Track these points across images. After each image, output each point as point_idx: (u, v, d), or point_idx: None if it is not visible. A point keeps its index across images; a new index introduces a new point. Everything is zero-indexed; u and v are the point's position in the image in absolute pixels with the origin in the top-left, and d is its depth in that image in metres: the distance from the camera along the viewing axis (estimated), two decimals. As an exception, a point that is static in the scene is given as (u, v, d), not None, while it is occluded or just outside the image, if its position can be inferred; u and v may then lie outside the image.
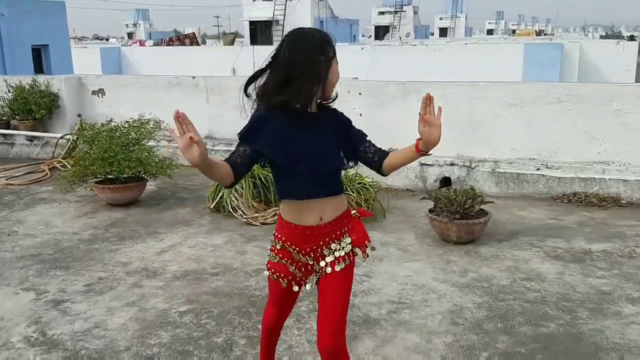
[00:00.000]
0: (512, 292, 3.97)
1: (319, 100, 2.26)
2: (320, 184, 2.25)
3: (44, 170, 7.58)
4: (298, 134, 2.21)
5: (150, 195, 6.45)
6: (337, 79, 2.26)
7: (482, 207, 4.99)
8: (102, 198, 6.04)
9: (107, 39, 62.11)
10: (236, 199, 5.63)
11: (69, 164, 7.60)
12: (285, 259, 2.34)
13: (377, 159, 2.32)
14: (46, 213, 5.88)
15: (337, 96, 2.33)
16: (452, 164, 6.61)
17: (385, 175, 2.40)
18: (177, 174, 6.49)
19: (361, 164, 2.40)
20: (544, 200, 6.14)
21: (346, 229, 2.33)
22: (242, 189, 5.62)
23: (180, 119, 1.90)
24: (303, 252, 2.31)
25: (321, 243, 2.30)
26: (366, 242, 2.37)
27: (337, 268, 2.30)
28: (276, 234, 2.37)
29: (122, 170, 5.73)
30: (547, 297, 3.89)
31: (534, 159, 6.54)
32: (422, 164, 6.68)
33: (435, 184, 6.59)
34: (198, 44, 37.63)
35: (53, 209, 6.03)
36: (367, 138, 2.35)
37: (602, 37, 65.88)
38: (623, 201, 5.96)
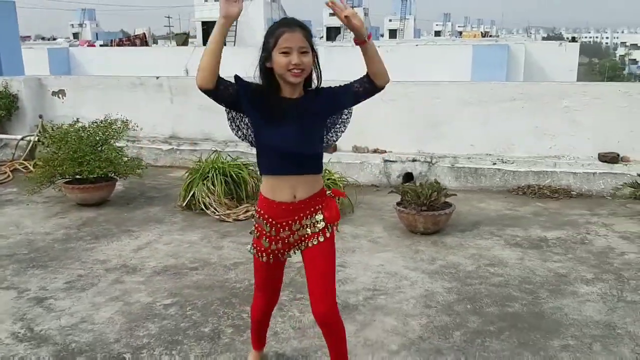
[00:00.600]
0: (478, 277, 4.25)
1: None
2: (297, 164, 2.45)
3: (6, 172, 7.48)
4: (277, 119, 2.39)
5: (118, 195, 6.48)
6: (284, 70, 2.33)
7: (446, 199, 5.28)
8: (71, 198, 6.05)
9: (51, 39, 60.33)
10: (208, 196, 5.74)
11: (31, 165, 7.55)
12: (264, 236, 2.54)
13: (367, 85, 2.46)
14: (15, 214, 5.85)
15: (320, 81, 2.49)
16: (414, 160, 6.89)
17: (383, 85, 2.47)
18: (145, 173, 6.54)
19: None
20: (501, 193, 6.50)
21: (320, 206, 2.54)
22: (214, 187, 5.73)
23: None
24: (279, 225, 2.50)
25: (296, 218, 2.50)
26: (337, 221, 2.59)
27: (315, 242, 2.53)
28: (257, 209, 2.56)
29: (92, 171, 5.76)
30: (510, 281, 4.19)
31: (490, 154, 6.90)
32: (385, 161, 6.94)
33: (398, 180, 6.86)
34: (148, 45, 37.07)
35: (21, 210, 6.00)
36: (348, 84, 2.51)
37: (544, 38, 68.40)
38: (573, 192, 6.38)
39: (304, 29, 2.37)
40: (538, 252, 4.75)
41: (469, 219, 5.58)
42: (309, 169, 2.50)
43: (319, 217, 2.54)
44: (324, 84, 2.55)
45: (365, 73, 2.48)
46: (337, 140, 2.62)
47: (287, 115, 2.41)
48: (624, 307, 3.76)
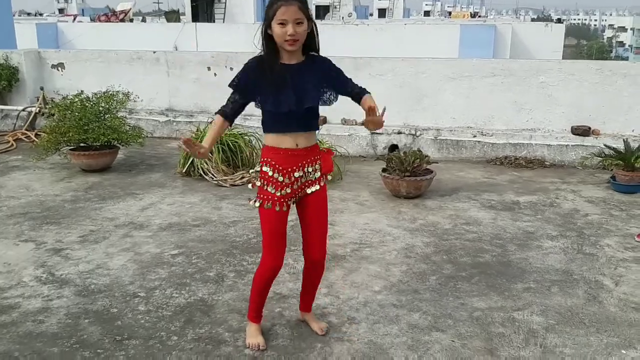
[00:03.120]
0: (454, 234, 4.71)
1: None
2: (296, 121, 2.82)
3: (9, 142, 7.80)
4: (278, 83, 2.74)
5: (120, 162, 6.84)
6: (281, 40, 2.66)
7: (428, 167, 5.72)
8: (76, 164, 6.41)
9: (37, 15, 59.64)
10: (206, 163, 6.13)
11: (32, 135, 7.89)
12: (271, 183, 2.85)
13: (357, 99, 2.89)
14: (24, 179, 6.21)
15: (317, 48, 2.86)
16: (399, 133, 7.31)
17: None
18: (144, 143, 6.90)
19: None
20: (480, 163, 6.95)
21: (318, 156, 2.94)
22: (212, 154, 6.12)
23: (187, 143, 2.66)
24: (284, 171, 2.84)
25: (299, 165, 2.87)
26: (331, 171, 3.00)
27: (312, 190, 2.93)
28: (263, 158, 2.90)
29: (97, 138, 6.12)
30: (482, 237, 4.65)
31: (471, 127, 7.34)
32: (372, 133, 7.35)
33: (384, 151, 7.28)
34: (131, 21, 36.72)
35: (29, 175, 6.36)
36: (351, 81, 2.91)
37: (532, 19, 68.62)
38: (547, 163, 6.84)
39: (300, 1, 2.70)
40: (510, 213, 5.21)
41: (449, 186, 6.02)
42: (307, 126, 2.87)
43: (317, 166, 2.93)
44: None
45: (361, 93, 2.87)
46: (336, 100, 2.95)
47: (286, 79, 2.76)
48: (582, 258, 4.24)
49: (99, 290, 3.72)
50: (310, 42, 2.81)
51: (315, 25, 2.79)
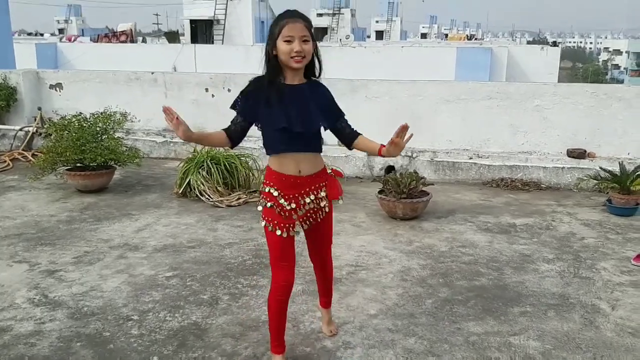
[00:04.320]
0: (450, 256, 4.69)
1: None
2: (298, 143, 2.78)
3: (5, 161, 7.80)
4: (280, 103, 2.73)
5: (117, 183, 6.84)
6: (287, 57, 2.65)
7: (424, 188, 5.72)
8: (72, 185, 6.40)
9: (36, 34, 60.02)
10: (202, 184, 6.13)
11: (29, 155, 7.88)
12: (274, 203, 2.83)
13: (349, 139, 2.91)
14: (19, 199, 6.20)
15: (320, 71, 2.84)
16: (395, 154, 7.31)
17: (350, 149, 2.98)
18: (142, 163, 6.91)
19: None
20: (476, 185, 6.96)
21: (323, 183, 2.92)
22: (209, 175, 6.12)
23: (166, 110, 2.60)
24: (286, 197, 2.83)
25: (302, 192, 2.84)
26: (340, 196, 2.98)
27: (319, 218, 2.93)
28: (266, 181, 2.88)
29: (94, 158, 6.11)
30: (479, 260, 4.63)
31: (467, 149, 7.36)
32: (369, 155, 7.36)
33: (380, 172, 7.29)
34: (133, 41, 37.08)
35: (25, 195, 6.34)
36: (345, 117, 2.93)
37: (528, 42, 69.26)
38: (543, 185, 6.86)
39: (305, 20, 2.72)
40: (506, 236, 5.20)
41: (445, 208, 6.02)
42: (309, 148, 2.83)
43: (323, 194, 2.90)
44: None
45: (354, 135, 2.90)
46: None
47: (288, 100, 2.74)
48: (578, 282, 4.22)
49: (91, 313, 3.68)
50: (311, 65, 2.80)
51: (317, 47, 2.77)
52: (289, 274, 2.88)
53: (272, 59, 2.73)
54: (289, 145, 2.78)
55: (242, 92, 2.82)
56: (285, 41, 2.66)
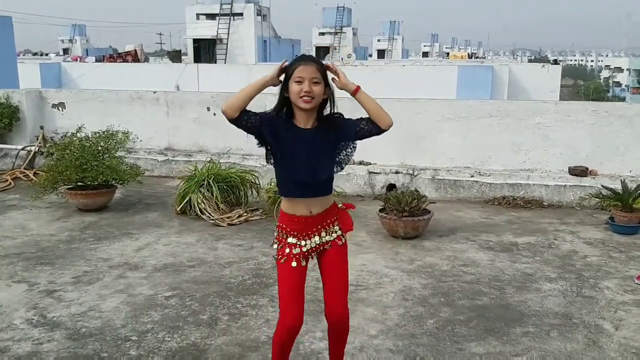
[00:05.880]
0: (452, 275, 4.66)
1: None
2: (310, 189, 2.78)
3: (7, 180, 7.81)
4: (293, 147, 2.73)
5: (117, 202, 6.83)
6: (296, 97, 2.66)
7: (425, 207, 5.70)
8: (73, 204, 6.40)
9: (40, 54, 60.52)
10: (203, 202, 6.11)
11: (31, 174, 7.89)
12: (286, 245, 2.83)
13: (371, 125, 2.83)
14: (20, 218, 6.19)
15: (331, 112, 2.82)
16: (397, 172, 7.32)
17: (386, 127, 2.85)
18: (143, 181, 6.91)
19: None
20: (478, 203, 6.93)
21: (335, 218, 2.89)
22: (210, 193, 6.11)
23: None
24: (300, 236, 2.82)
25: (314, 229, 2.83)
26: (351, 230, 2.96)
27: (331, 246, 2.88)
28: (279, 224, 2.88)
29: (95, 177, 6.12)
30: (481, 279, 4.60)
31: (468, 167, 7.35)
32: (370, 173, 7.36)
33: (382, 190, 7.27)
34: (139, 61, 37.43)
35: (25, 214, 6.34)
36: (359, 119, 2.86)
37: (530, 60, 69.68)
38: (545, 203, 6.83)
39: (318, 63, 2.74)
40: (508, 254, 5.16)
41: (446, 226, 5.99)
42: (321, 192, 2.83)
43: (336, 228, 2.89)
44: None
45: (370, 121, 2.84)
46: (341, 170, 2.93)
47: (301, 147, 2.74)
48: (581, 301, 4.18)
49: (90, 333, 3.65)
50: (323, 109, 2.80)
51: (333, 92, 2.78)
52: (296, 318, 2.80)
53: (284, 101, 2.75)
54: (301, 192, 2.79)
55: (269, 113, 2.80)
56: (296, 82, 2.68)
